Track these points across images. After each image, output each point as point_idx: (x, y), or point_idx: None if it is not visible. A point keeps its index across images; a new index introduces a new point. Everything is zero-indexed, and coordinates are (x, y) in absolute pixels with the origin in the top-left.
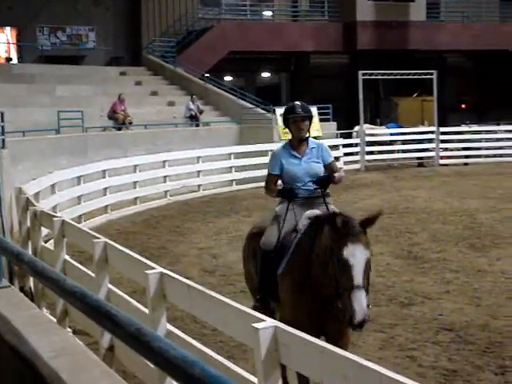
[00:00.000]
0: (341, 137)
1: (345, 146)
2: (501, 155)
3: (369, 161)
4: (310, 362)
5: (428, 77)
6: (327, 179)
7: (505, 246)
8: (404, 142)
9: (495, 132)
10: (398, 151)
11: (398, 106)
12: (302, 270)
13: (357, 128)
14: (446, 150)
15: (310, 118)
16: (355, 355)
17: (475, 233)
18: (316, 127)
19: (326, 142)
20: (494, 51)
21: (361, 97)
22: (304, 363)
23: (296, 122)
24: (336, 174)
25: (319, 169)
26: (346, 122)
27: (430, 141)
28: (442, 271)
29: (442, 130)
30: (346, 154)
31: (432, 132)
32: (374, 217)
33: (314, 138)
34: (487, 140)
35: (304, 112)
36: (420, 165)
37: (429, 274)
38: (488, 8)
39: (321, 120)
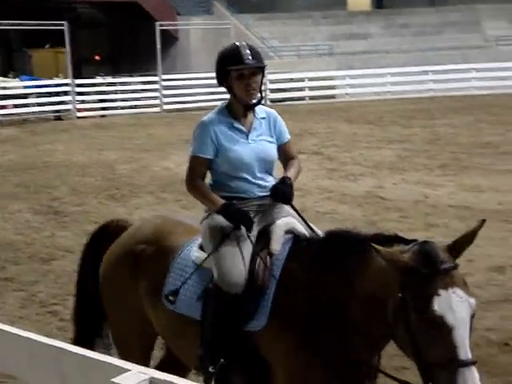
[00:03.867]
0: None
1: None
2: (136, 106)
3: (3, 115)
4: None
5: (59, 28)
6: (288, 191)
7: (143, 194)
8: (39, 95)
9: (129, 84)
10: (34, 104)
11: (32, 57)
12: (306, 323)
13: None
14: (82, 102)
15: (263, 68)
16: None
17: (114, 183)
18: None
19: None
20: (123, 3)
21: None
22: None
23: (243, 78)
24: (291, 174)
25: (273, 151)
26: None
27: (65, 93)
28: (82, 224)
29: (78, 82)
30: None
31: (67, 84)
32: (471, 234)
33: None
34: (122, 92)
35: (256, 60)
36: (57, 118)
37: (70, 227)
38: None
39: None
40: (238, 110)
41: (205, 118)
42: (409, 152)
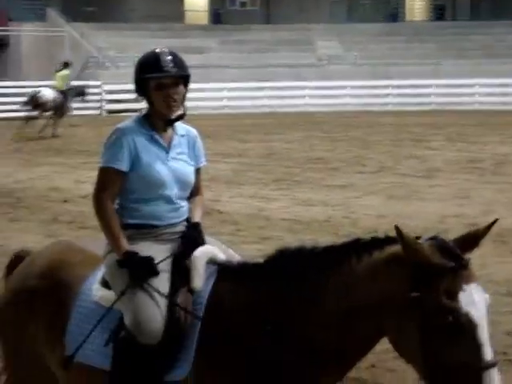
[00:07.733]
0: None
1: None
2: None
3: None
4: None
5: None
6: (200, 238)
7: None
8: None
9: None
10: None
11: None
12: (243, 363)
13: None
14: None
15: (187, 78)
16: None
17: None
18: None
19: None
20: None
21: None
22: None
23: (162, 88)
24: (199, 218)
25: (192, 175)
26: None
27: None
28: None
29: None
30: None
31: None
32: (483, 231)
33: None
34: None
35: (178, 68)
36: None
37: None
38: None
39: None
40: (157, 124)
41: (121, 125)
42: (245, 166)
